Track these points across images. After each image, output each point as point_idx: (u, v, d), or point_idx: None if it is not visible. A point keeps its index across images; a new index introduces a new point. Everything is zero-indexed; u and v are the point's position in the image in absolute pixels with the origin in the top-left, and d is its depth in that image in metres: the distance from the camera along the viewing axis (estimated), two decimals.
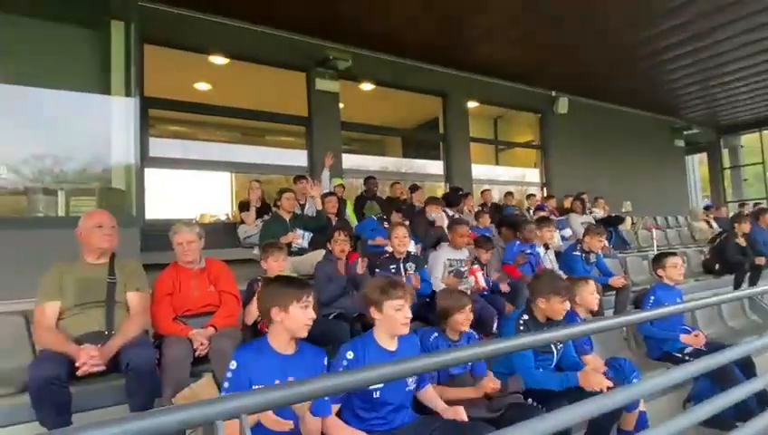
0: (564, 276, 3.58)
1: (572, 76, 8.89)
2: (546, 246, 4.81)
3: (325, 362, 2.02)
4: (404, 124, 9.69)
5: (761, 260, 5.72)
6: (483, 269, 4.09)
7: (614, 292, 4.45)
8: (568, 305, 2.65)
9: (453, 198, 6.42)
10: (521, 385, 2.38)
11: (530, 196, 8.25)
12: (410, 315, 2.09)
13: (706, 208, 10.08)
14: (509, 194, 8.00)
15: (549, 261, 4.73)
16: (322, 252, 3.99)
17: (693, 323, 4.20)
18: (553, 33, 6.90)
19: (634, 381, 2.62)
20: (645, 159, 11.46)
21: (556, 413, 1.29)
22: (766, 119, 12.46)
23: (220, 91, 7.03)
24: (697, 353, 3.24)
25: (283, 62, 6.73)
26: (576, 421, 1.35)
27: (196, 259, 2.87)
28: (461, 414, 2.06)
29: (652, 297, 3.57)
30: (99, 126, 4.11)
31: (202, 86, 7.20)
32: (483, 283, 3.94)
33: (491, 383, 2.28)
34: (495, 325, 3.55)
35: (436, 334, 2.59)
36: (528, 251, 4.50)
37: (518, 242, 4.57)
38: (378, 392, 2.00)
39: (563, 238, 6.20)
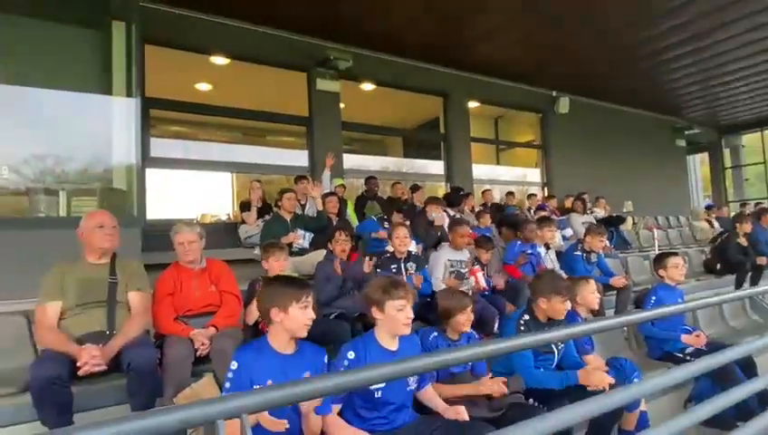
0: (565, 276, 3.57)
1: (573, 76, 8.89)
2: (547, 246, 4.81)
3: (325, 361, 2.02)
4: (405, 124, 9.69)
5: (762, 260, 5.71)
6: (483, 269, 4.09)
7: (615, 292, 4.45)
8: (569, 305, 2.64)
9: (454, 198, 6.42)
10: (521, 385, 2.38)
11: (531, 196, 8.24)
12: (412, 315, 2.09)
13: (708, 208, 10.06)
14: (510, 194, 8.00)
15: (550, 261, 4.73)
16: (323, 252, 3.99)
17: (694, 323, 4.19)
18: (553, 33, 6.90)
19: (635, 380, 2.62)
20: (646, 158, 11.45)
21: (557, 413, 1.29)
22: (767, 118, 12.44)
23: (221, 92, 7.03)
24: (698, 353, 3.24)
25: (283, 63, 6.73)
26: (577, 421, 1.35)
27: (197, 259, 2.87)
28: (463, 414, 2.06)
29: (653, 297, 3.57)
30: (100, 126, 4.12)
31: (203, 86, 7.21)
32: (483, 283, 3.94)
33: (496, 387, 2.27)
34: (496, 325, 3.55)
35: (435, 334, 2.59)
36: (529, 251, 4.50)
37: (519, 242, 4.56)
38: (379, 392, 2.00)
39: (564, 238, 6.20)
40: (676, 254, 3.81)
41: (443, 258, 4.11)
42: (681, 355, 3.39)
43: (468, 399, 2.29)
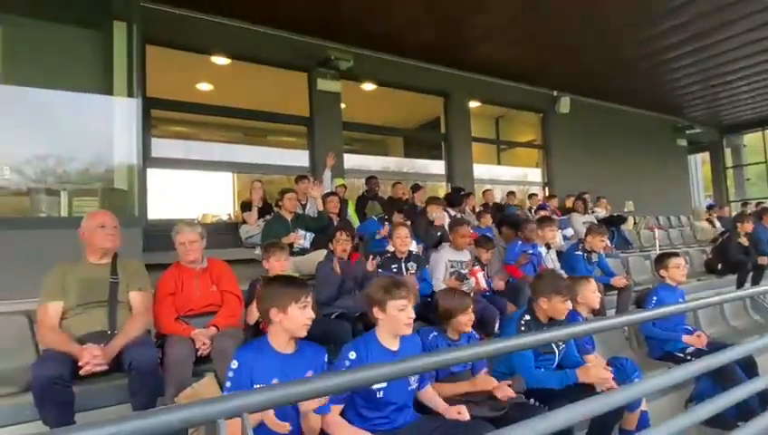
0: (566, 276, 3.57)
1: (573, 76, 8.88)
2: (548, 246, 4.80)
3: (325, 360, 2.02)
4: (405, 124, 9.69)
5: (763, 260, 5.70)
6: (483, 269, 4.09)
7: (616, 292, 4.45)
8: (570, 305, 2.64)
9: (455, 199, 6.42)
10: (522, 385, 2.38)
11: (532, 195, 8.24)
12: (413, 315, 2.09)
13: (710, 208, 10.05)
14: (511, 193, 8.00)
15: (551, 261, 4.72)
16: (324, 252, 4.00)
17: (695, 323, 4.19)
18: (554, 33, 6.90)
19: (635, 380, 2.62)
20: (647, 158, 11.44)
21: (557, 412, 1.29)
22: None
23: (222, 92, 7.04)
24: (699, 353, 3.23)
25: (284, 63, 6.74)
26: (577, 420, 1.35)
27: (198, 259, 2.88)
28: (464, 414, 2.07)
29: (654, 298, 3.56)
30: (101, 126, 4.13)
31: (204, 86, 7.22)
32: (483, 284, 3.94)
33: (501, 391, 2.27)
34: (497, 325, 3.55)
35: (435, 334, 2.59)
36: (530, 251, 4.49)
37: (520, 242, 4.56)
38: (381, 392, 2.01)
39: (565, 238, 6.19)
40: (677, 254, 3.80)
41: (443, 259, 4.11)
42: (682, 355, 3.39)
43: (470, 399, 2.29)
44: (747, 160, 13.76)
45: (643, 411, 2.58)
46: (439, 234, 4.74)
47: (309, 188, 5.31)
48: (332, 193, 5.56)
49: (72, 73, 4.08)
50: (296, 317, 1.87)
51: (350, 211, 5.95)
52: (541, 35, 6.99)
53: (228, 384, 1.82)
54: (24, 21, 3.95)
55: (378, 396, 2.01)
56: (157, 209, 6.12)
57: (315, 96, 6.91)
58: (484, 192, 7.96)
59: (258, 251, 4.56)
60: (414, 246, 4.28)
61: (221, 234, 5.74)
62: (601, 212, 8.07)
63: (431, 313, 3.05)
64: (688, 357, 3.32)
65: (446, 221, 5.00)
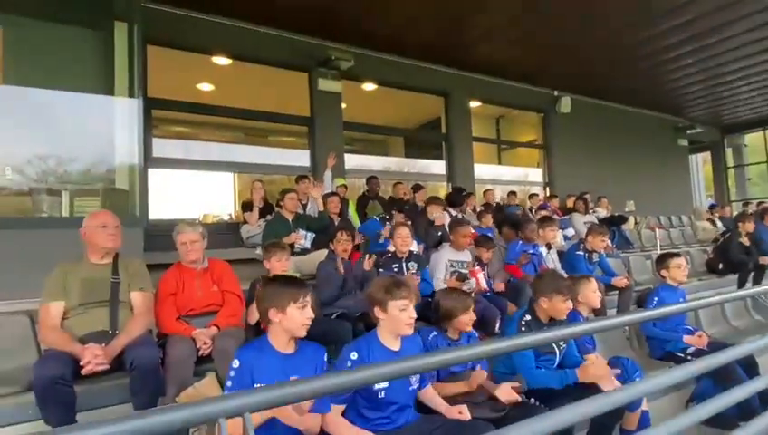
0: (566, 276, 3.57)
1: (574, 76, 8.88)
2: (549, 246, 4.80)
3: (325, 359, 2.02)
4: (406, 124, 9.69)
5: (765, 259, 5.69)
6: (484, 269, 4.09)
7: (617, 292, 4.45)
8: (570, 305, 2.64)
9: (456, 199, 6.41)
10: (523, 386, 2.38)
11: (532, 195, 8.24)
12: (415, 315, 2.09)
13: (712, 208, 10.04)
14: (512, 193, 7.99)
15: (551, 261, 4.72)
16: (325, 252, 4.00)
17: (696, 323, 4.18)
18: (554, 32, 6.89)
19: (636, 380, 2.62)
20: (648, 158, 11.43)
21: (557, 412, 1.29)
22: None
23: (223, 92, 7.04)
24: (700, 353, 3.23)
25: (285, 63, 6.74)
26: (577, 420, 1.35)
27: (199, 259, 2.88)
28: (465, 413, 2.07)
29: (656, 298, 3.56)
30: (102, 127, 4.14)
31: (205, 87, 7.23)
32: (484, 284, 3.94)
33: (505, 394, 2.26)
34: (498, 325, 3.55)
35: (435, 333, 2.59)
36: (531, 251, 4.49)
37: (521, 242, 4.56)
38: (383, 393, 2.01)
39: (566, 238, 6.19)
40: (678, 254, 3.80)
41: (444, 259, 4.12)
42: (682, 355, 3.38)
43: (470, 399, 2.29)
44: (748, 160, 13.75)
45: (644, 411, 2.58)
46: (440, 234, 4.75)
47: (309, 187, 5.31)
48: (333, 193, 5.56)
49: (72, 74, 4.09)
50: (295, 317, 1.87)
51: (351, 211, 5.95)
52: (541, 35, 6.99)
53: (230, 384, 1.82)
54: (25, 21, 3.96)
55: (379, 396, 2.01)
56: (158, 209, 6.13)
57: (316, 96, 6.91)
58: (484, 192, 7.96)
59: (259, 251, 4.56)
60: (415, 246, 4.28)
61: (222, 234, 5.75)
62: (602, 212, 8.06)
63: (431, 312, 3.06)
64: (689, 357, 3.32)
65: (447, 221, 5.00)
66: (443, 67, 8.11)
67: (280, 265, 3.17)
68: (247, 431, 1.00)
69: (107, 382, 2.33)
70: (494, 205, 7.54)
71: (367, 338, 2.16)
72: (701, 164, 15.54)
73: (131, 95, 4.10)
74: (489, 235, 4.89)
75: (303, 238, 4.69)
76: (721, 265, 6.08)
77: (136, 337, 2.38)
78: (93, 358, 2.19)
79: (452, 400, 2.25)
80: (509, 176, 9.82)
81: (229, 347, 2.37)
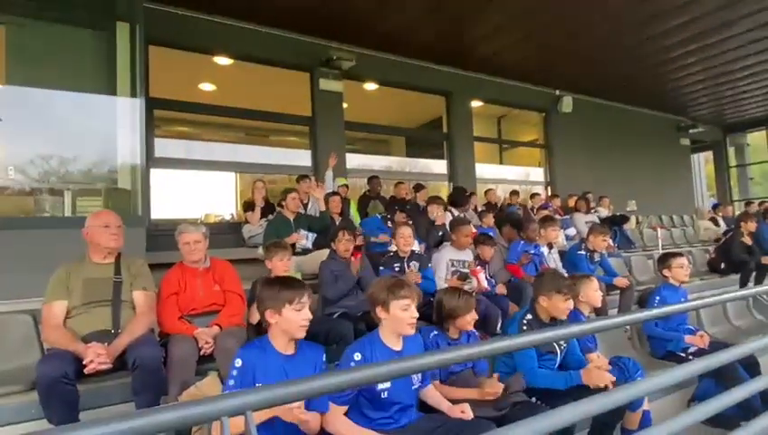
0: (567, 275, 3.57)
1: (576, 75, 8.87)
2: (550, 246, 4.80)
3: (324, 358, 2.02)
4: (408, 124, 9.70)
5: (766, 259, 5.68)
6: (485, 269, 4.09)
7: (619, 292, 4.44)
8: (571, 304, 2.64)
9: (458, 199, 6.40)
10: (522, 384, 2.37)
11: (534, 195, 8.23)
12: (417, 315, 2.09)
13: (715, 207, 10.01)
14: (514, 193, 7.99)
15: (553, 260, 4.72)
16: (327, 251, 4.00)
17: (698, 323, 4.17)
18: (555, 32, 6.89)
19: (638, 379, 2.62)
20: (650, 157, 11.40)
21: (557, 411, 1.29)
22: None
23: (224, 92, 7.05)
24: (701, 353, 3.22)
25: (286, 63, 6.75)
26: (577, 419, 1.35)
27: (201, 259, 2.89)
28: (468, 412, 2.07)
29: (657, 298, 3.56)
30: (104, 127, 4.15)
31: (206, 87, 7.24)
32: (485, 284, 3.94)
33: (489, 388, 2.26)
34: (499, 325, 3.55)
35: (435, 332, 2.59)
36: (532, 251, 4.49)
37: (522, 242, 4.56)
38: (386, 392, 2.01)
39: (567, 238, 6.19)
40: (680, 254, 3.79)
41: (445, 258, 4.11)
42: (684, 355, 3.38)
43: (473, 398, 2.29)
44: (751, 159, 13.71)
45: (645, 411, 2.58)
46: (441, 233, 4.75)
47: (310, 187, 5.31)
48: (335, 193, 5.56)
49: (74, 74, 4.10)
50: (291, 319, 1.87)
51: (353, 211, 5.95)
52: (542, 34, 6.98)
53: (232, 383, 1.82)
54: (27, 22, 3.97)
55: (382, 396, 2.01)
56: (160, 209, 6.15)
57: (317, 96, 6.92)
58: (486, 192, 7.95)
59: (261, 251, 4.57)
60: (416, 246, 4.28)
61: (224, 234, 5.76)
62: (604, 211, 8.05)
63: (432, 311, 3.06)
64: (690, 357, 3.31)
65: (448, 219, 5.00)
66: (444, 67, 8.11)
67: (281, 264, 3.17)
68: (249, 430, 1.00)
69: (109, 382, 2.34)
70: (496, 205, 7.52)
71: (369, 338, 2.16)
72: (703, 163, 15.50)
73: (133, 95, 4.11)
74: (490, 234, 4.88)
75: (305, 238, 4.69)
76: (723, 265, 6.07)
77: (138, 336, 2.39)
78: (96, 357, 2.20)
79: (454, 399, 2.25)
80: (511, 175, 9.82)
81: (231, 346, 2.38)
